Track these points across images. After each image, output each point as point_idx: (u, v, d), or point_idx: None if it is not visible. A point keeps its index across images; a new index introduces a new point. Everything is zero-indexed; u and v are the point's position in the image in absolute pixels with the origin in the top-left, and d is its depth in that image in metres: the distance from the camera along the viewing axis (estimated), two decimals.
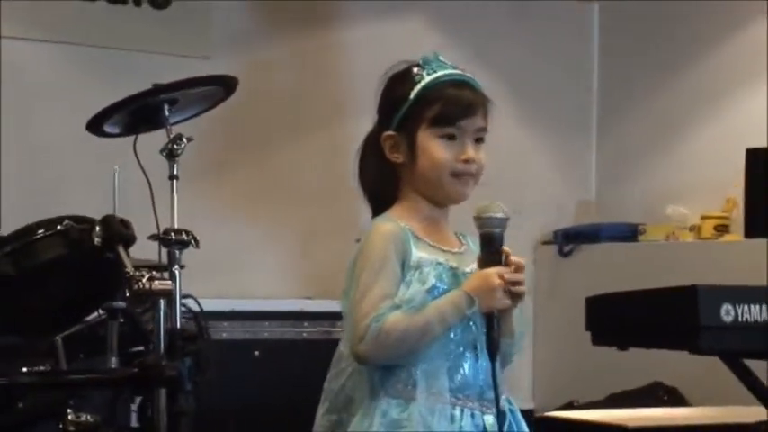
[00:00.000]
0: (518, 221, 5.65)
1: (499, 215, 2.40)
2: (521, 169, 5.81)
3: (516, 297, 2.40)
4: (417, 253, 2.42)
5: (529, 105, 5.84)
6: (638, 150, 5.83)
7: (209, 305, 3.75)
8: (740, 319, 3.19)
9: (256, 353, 4.73)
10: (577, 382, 5.45)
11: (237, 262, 5.08)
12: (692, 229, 5.36)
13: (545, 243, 5.79)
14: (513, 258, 2.41)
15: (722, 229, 5.28)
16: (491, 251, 2.39)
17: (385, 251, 2.39)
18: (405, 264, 2.40)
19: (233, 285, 4.99)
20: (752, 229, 5.04)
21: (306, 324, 4.72)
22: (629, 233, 5.55)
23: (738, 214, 5.20)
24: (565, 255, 5.67)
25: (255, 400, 4.64)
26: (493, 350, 2.36)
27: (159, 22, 4.96)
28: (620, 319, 3.39)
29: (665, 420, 3.88)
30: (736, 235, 5.20)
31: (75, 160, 4.69)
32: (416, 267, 2.40)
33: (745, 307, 3.20)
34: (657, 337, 3.32)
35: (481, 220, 2.40)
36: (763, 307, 3.22)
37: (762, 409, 3.41)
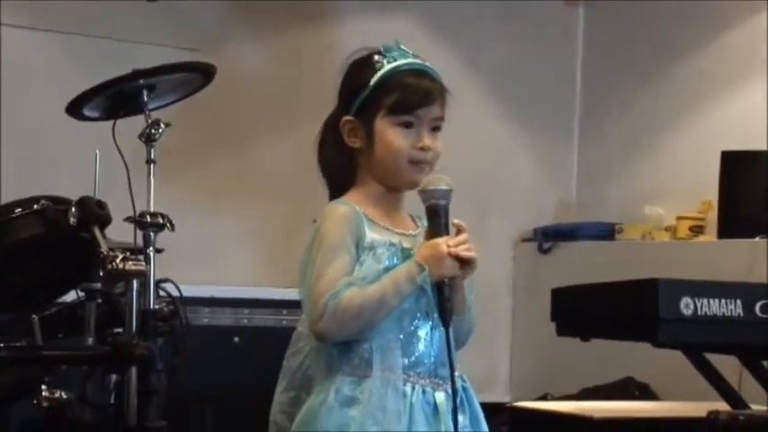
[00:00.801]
0: (499, 218, 5.83)
1: (443, 187, 2.41)
2: (503, 167, 5.86)
3: (466, 264, 2.42)
4: (371, 234, 2.44)
5: (512, 104, 5.88)
6: (618, 152, 5.86)
7: (191, 291, 3.74)
8: (699, 312, 3.22)
9: (236, 339, 4.74)
10: (553, 376, 5.48)
11: (219, 250, 5.11)
12: (667, 229, 5.39)
13: (525, 240, 5.83)
14: (457, 223, 2.42)
15: (697, 229, 5.31)
16: (437, 222, 2.41)
17: (339, 233, 2.41)
18: (359, 245, 2.42)
19: (214, 273, 5.01)
20: (725, 231, 5.07)
21: (285, 312, 4.73)
22: (607, 232, 5.58)
23: (713, 216, 5.22)
24: (544, 252, 5.71)
25: (235, 385, 4.65)
26: (445, 318, 2.38)
27: (150, 13, 4.98)
28: (584, 311, 3.42)
29: (631, 413, 3.92)
30: (711, 236, 5.22)
31: (63, 144, 4.71)
32: (370, 248, 2.43)
33: (705, 301, 3.23)
34: (620, 329, 3.35)
35: (425, 193, 2.42)
36: (722, 301, 3.25)
37: (724, 404, 3.45)
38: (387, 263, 2.42)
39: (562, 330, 3.47)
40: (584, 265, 5.34)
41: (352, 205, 2.47)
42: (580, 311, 3.45)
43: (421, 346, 2.44)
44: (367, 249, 2.42)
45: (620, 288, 3.31)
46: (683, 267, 4.78)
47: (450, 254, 2.38)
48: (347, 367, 2.41)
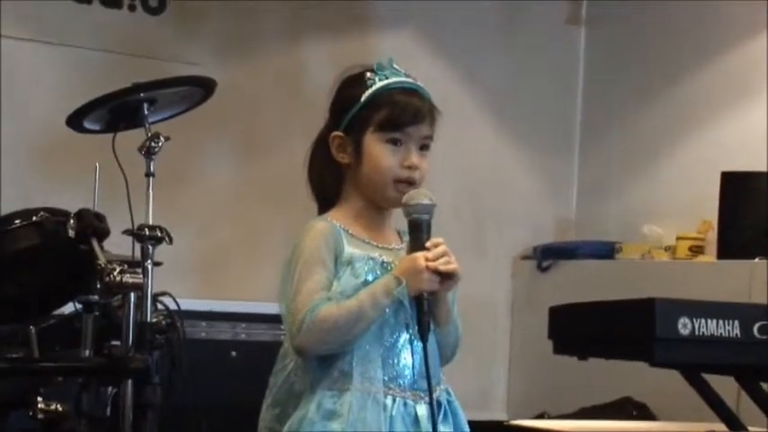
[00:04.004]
0: (498, 235, 5.82)
1: (425, 201, 2.42)
2: (502, 184, 5.85)
3: (448, 279, 2.42)
4: (349, 249, 2.45)
5: (512, 120, 5.89)
6: (618, 170, 5.86)
7: (188, 305, 3.76)
8: (697, 332, 3.20)
9: (234, 353, 4.73)
10: (551, 395, 5.47)
11: (217, 264, 5.11)
12: (667, 249, 5.38)
13: (524, 258, 5.82)
14: (432, 241, 2.42)
15: (697, 249, 5.31)
16: (418, 237, 2.42)
17: (316, 248, 2.43)
18: (337, 260, 2.44)
19: (212, 286, 5.01)
20: (725, 251, 5.07)
21: (282, 327, 4.69)
22: (606, 251, 5.58)
23: (713, 236, 5.21)
24: (543, 270, 5.70)
25: (232, 399, 4.63)
26: (423, 332, 2.37)
27: (151, 26, 4.99)
28: (581, 330, 3.40)
29: None
30: (710, 256, 5.22)
31: (63, 157, 4.72)
32: (348, 263, 2.44)
33: (702, 321, 3.21)
34: (617, 349, 3.33)
35: (408, 207, 2.43)
36: (720, 322, 3.24)
37: (721, 424, 3.44)
38: (365, 277, 2.44)
39: (559, 349, 3.46)
40: (583, 283, 5.34)
41: (330, 221, 2.49)
42: (578, 330, 3.43)
43: (402, 359, 2.44)
44: (345, 264, 2.44)
45: (618, 307, 3.30)
46: (682, 287, 4.75)
47: (428, 267, 2.39)
48: (328, 381, 2.43)
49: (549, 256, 5.71)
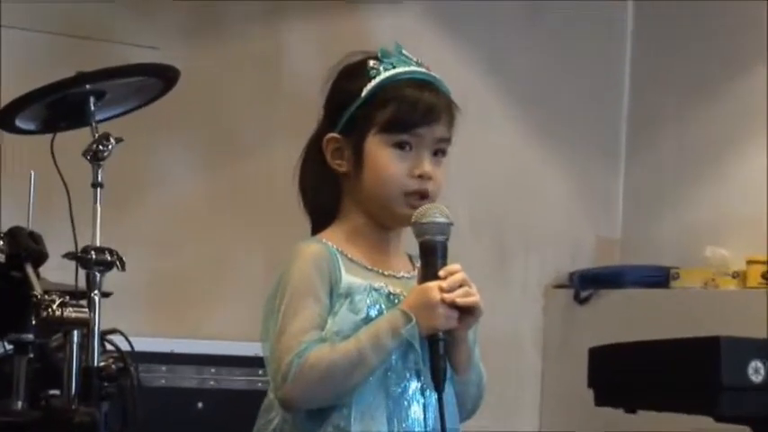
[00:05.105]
0: (525, 260, 5.82)
1: (440, 219, 2.42)
2: (532, 197, 5.87)
3: (468, 314, 2.41)
4: (348, 278, 2.46)
5: (543, 120, 5.89)
6: (674, 179, 5.87)
7: (145, 345, 3.78)
8: None
9: (200, 405, 4.74)
10: None
11: (181, 294, 5.11)
12: (734, 275, 5.39)
13: (557, 287, 5.85)
14: (447, 268, 2.41)
15: None
16: (432, 263, 2.42)
17: (307, 277, 2.43)
18: (333, 291, 2.44)
19: (174, 322, 5.01)
20: None
21: (261, 372, 4.71)
22: (660, 278, 5.59)
23: None
24: (581, 301, 5.71)
25: None
26: (438, 381, 2.37)
27: (102, 4, 5.01)
28: (629, 377, 3.42)
29: None
30: None
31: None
32: (346, 295, 2.45)
33: None
34: (672, 399, 3.35)
35: (419, 226, 2.43)
36: None
37: None
38: (367, 312, 2.44)
39: (602, 399, 3.48)
40: (630, 318, 5.35)
41: (326, 243, 2.49)
42: (624, 376, 3.45)
43: (411, 414, 2.44)
44: (342, 296, 2.44)
45: (675, 348, 3.32)
46: (753, 323, 4.77)
47: (443, 300, 2.38)
48: None
49: (588, 284, 5.72)
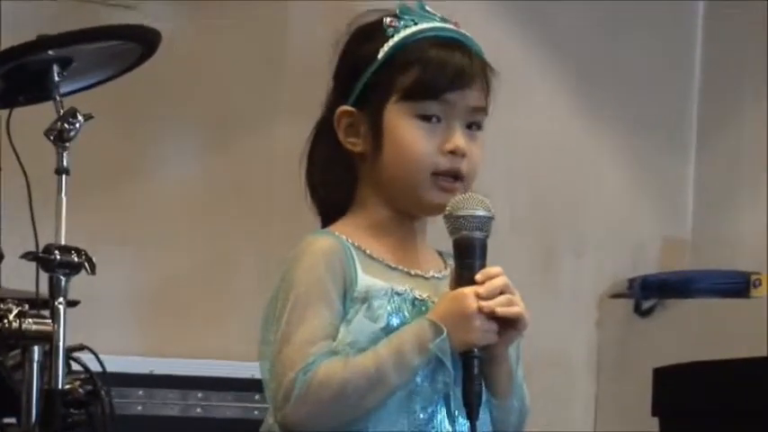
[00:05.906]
0: (577, 264, 5.82)
1: (480, 212, 2.41)
2: (584, 189, 5.90)
3: (509, 327, 2.41)
4: (365, 279, 2.44)
5: (599, 98, 5.92)
6: (751, 171, 5.88)
7: (119, 364, 3.82)
8: None
9: None
10: None
11: (161, 303, 5.12)
12: None
13: (615, 296, 5.87)
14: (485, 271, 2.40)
15: None
16: (469, 264, 2.41)
17: (317, 276, 2.42)
18: (347, 295, 2.43)
19: (153, 338, 5.03)
20: None
21: (257, 398, 4.74)
22: (738, 285, 5.60)
23: None
24: (643, 313, 5.73)
25: None
26: (472, 406, 2.37)
27: None
28: (699, 401, 3.43)
29: None
30: None
31: None
32: (363, 299, 2.43)
33: None
34: (751, 427, 3.35)
35: (454, 220, 2.42)
36: None
37: None
38: (387, 321, 2.43)
39: (668, 429, 3.48)
40: (701, 333, 5.39)
41: (339, 236, 2.48)
42: (695, 402, 3.45)
43: None
44: (358, 301, 2.43)
45: (756, 368, 3.32)
46: None
47: (481, 310, 2.38)
48: None
49: (652, 292, 5.74)
